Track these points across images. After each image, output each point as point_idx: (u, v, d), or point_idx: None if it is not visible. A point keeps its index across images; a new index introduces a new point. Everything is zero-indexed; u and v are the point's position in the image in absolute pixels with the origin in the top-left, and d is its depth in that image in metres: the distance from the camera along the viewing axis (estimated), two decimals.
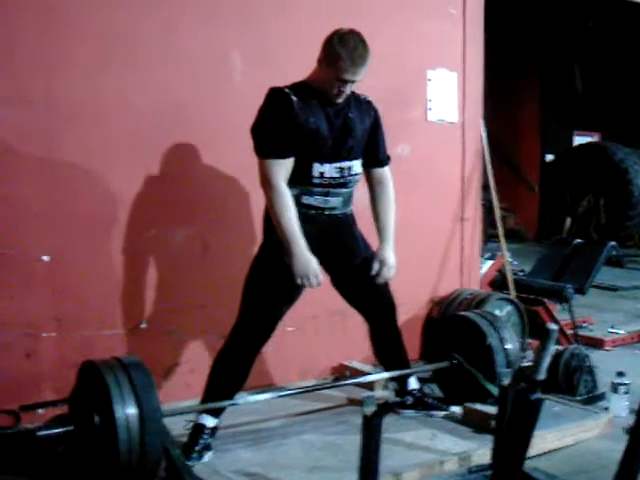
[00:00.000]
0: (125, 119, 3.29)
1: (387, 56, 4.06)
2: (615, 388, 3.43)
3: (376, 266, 3.00)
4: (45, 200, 3.13)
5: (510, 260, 5.24)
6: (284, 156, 2.78)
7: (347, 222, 3.06)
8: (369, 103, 3.06)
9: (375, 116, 3.06)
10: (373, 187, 3.10)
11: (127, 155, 3.31)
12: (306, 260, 2.77)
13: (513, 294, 4.68)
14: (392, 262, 3.02)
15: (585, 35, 11.27)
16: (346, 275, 3.11)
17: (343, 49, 2.74)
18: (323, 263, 2.91)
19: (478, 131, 4.59)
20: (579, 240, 5.41)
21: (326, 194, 2.92)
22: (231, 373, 2.86)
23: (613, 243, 5.32)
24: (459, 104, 4.42)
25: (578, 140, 12.73)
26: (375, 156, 3.07)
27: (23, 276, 3.10)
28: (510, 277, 4.80)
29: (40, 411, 2.94)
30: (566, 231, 11.04)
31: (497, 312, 4.01)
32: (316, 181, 2.87)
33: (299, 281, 2.78)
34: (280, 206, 2.75)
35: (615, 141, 11.56)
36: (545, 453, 2.97)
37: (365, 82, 3.96)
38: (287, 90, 2.80)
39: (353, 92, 2.95)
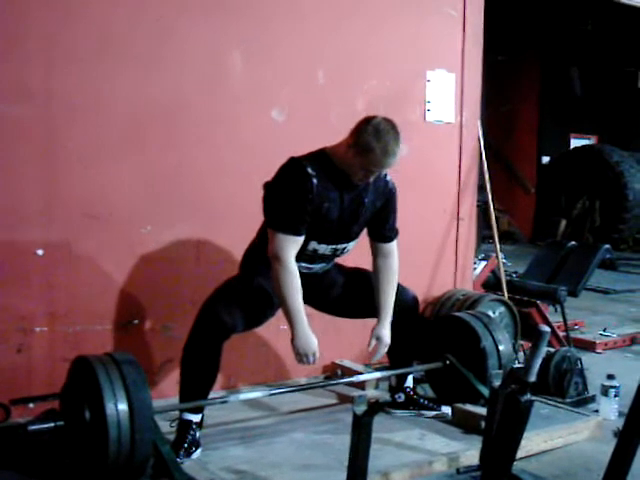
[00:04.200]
0: (124, 115, 3.29)
1: (387, 56, 4.09)
2: (605, 391, 3.44)
3: (373, 342, 3.02)
4: (41, 194, 3.13)
5: (504, 261, 5.25)
6: (299, 234, 2.75)
7: (325, 271, 3.08)
8: (387, 183, 2.98)
9: (390, 197, 2.99)
10: (377, 259, 3.05)
11: (124, 151, 3.31)
12: (307, 340, 2.77)
13: (506, 295, 4.69)
14: (388, 340, 3.02)
15: (584, 38, 11.29)
16: (333, 305, 3.16)
17: (377, 142, 2.67)
18: (306, 303, 2.90)
19: (475, 132, 4.60)
20: (573, 242, 5.43)
21: (311, 262, 2.95)
22: (196, 368, 2.80)
23: (607, 246, 5.35)
24: (457, 105, 4.42)
25: (575, 143, 12.77)
26: (382, 233, 3.04)
27: (17, 270, 3.10)
28: (503, 278, 4.81)
29: (31, 405, 2.95)
30: (561, 233, 11.09)
31: (490, 313, 4.02)
32: (307, 254, 2.89)
33: (297, 358, 2.81)
34: (288, 284, 2.72)
35: (612, 144, 11.59)
36: (534, 455, 2.98)
37: (366, 82, 4.02)
38: (309, 169, 2.73)
39: None
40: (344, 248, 2.99)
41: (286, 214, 2.73)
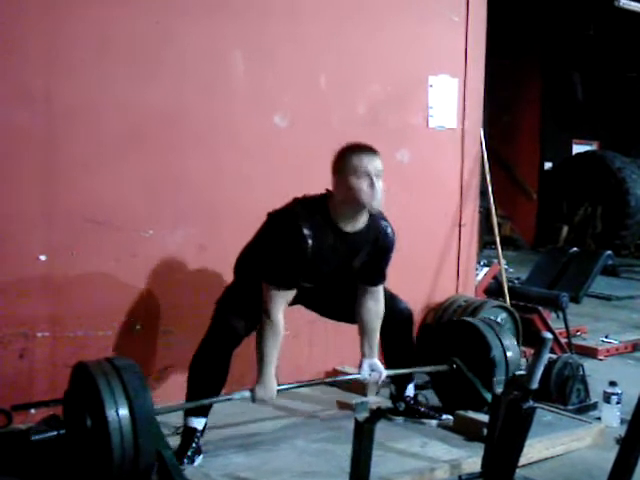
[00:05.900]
0: (124, 119, 3.29)
1: (389, 61, 4.10)
2: (607, 398, 3.43)
3: (369, 374, 3.09)
4: (42, 199, 3.13)
5: (506, 267, 5.25)
6: (291, 288, 2.83)
7: None
8: (387, 236, 2.97)
9: (387, 249, 3.00)
10: (363, 299, 3.06)
11: (125, 155, 3.31)
12: (269, 389, 2.82)
13: (508, 302, 4.68)
14: (382, 368, 3.10)
15: (586, 43, 11.30)
16: (325, 308, 3.21)
17: (350, 151, 2.79)
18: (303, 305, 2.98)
19: (478, 138, 4.60)
20: (575, 249, 5.42)
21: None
22: (207, 374, 2.86)
23: (609, 252, 5.34)
24: (459, 111, 4.43)
25: (577, 149, 12.76)
26: (370, 278, 3.04)
27: (19, 275, 3.10)
28: (505, 284, 4.80)
29: (32, 411, 2.95)
30: (563, 239, 11.08)
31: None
32: None
33: (253, 401, 2.83)
34: (269, 341, 2.82)
35: (614, 150, 11.58)
36: (536, 462, 2.97)
37: (368, 88, 4.03)
38: (305, 230, 2.75)
39: (376, 219, 2.91)
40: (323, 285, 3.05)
41: (281, 271, 2.80)
